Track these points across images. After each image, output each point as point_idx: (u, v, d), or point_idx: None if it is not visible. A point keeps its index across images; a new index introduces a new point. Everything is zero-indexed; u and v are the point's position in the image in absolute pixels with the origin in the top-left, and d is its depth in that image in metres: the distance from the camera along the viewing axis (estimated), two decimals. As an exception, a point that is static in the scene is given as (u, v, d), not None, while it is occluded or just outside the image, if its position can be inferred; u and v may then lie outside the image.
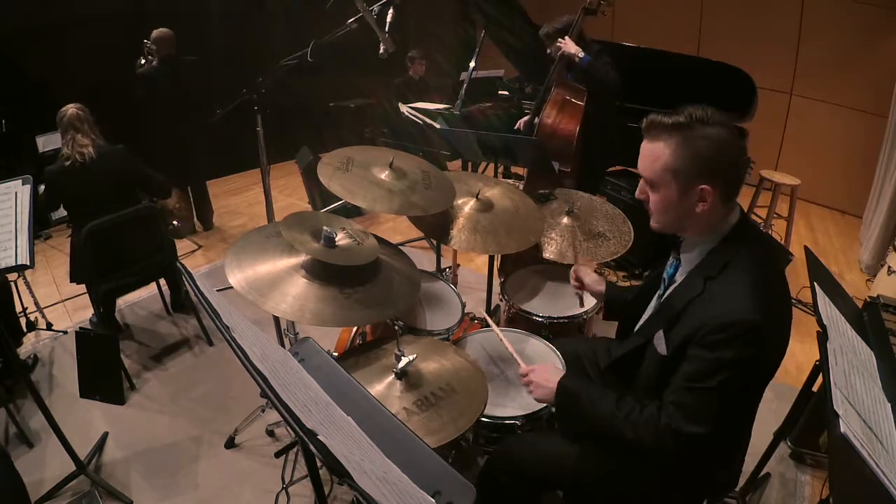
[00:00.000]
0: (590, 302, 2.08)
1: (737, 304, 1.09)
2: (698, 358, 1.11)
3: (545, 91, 2.96)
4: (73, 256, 2.84)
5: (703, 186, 1.13)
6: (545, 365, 1.42)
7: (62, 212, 3.76)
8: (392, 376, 1.49)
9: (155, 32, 3.69)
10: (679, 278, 1.29)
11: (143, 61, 3.74)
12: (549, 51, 2.93)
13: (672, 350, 1.18)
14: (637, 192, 1.26)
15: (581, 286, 1.81)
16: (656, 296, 1.38)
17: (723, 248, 1.19)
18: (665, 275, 1.34)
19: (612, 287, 1.76)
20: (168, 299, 3.28)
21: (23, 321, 3.02)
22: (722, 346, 1.08)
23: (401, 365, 1.46)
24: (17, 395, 2.53)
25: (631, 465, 1.27)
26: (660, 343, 1.23)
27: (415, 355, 1.48)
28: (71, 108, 2.70)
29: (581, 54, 2.76)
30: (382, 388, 1.46)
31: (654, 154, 1.16)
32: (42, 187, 2.68)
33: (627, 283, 3.64)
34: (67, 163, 2.66)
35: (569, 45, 2.79)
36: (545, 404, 1.62)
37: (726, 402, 1.11)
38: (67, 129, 2.68)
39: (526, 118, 3.20)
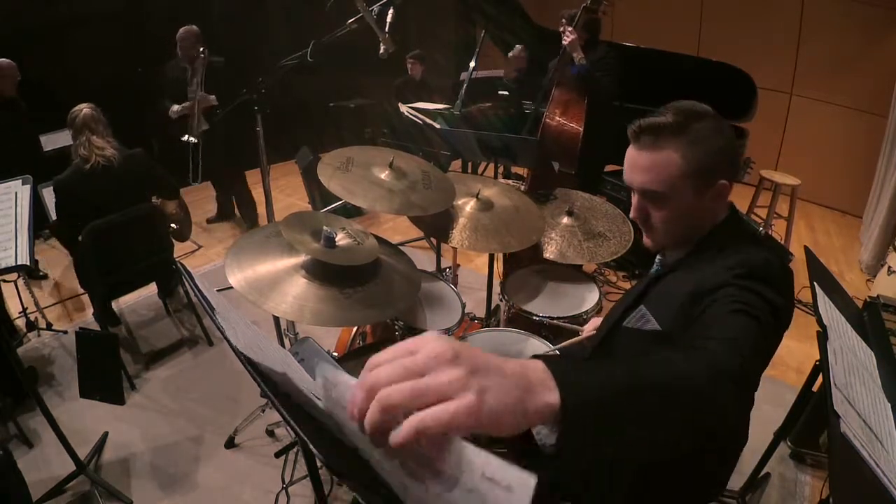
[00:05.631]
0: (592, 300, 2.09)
1: (752, 255, 0.97)
2: (722, 298, 0.90)
3: (547, 90, 2.96)
4: (77, 264, 2.73)
5: (721, 182, 1.02)
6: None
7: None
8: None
9: (181, 31, 3.68)
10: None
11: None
12: (562, 29, 2.89)
13: (671, 318, 1.02)
14: (633, 213, 1.11)
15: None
16: (633, 299, 1.21)
17: (713, 234, 1.08)
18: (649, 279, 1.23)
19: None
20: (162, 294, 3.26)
21: (23, 321, 3.02)
22: (747, 280, 0.91)
23: None
24: (17, 396, 2.53)
25: (641, 465, 1.19)
26: (646, 321, 1.08)
27: None
28: (85, 109, 2.55)
29: (582, 62, 2.73)
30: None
31: (661, 164, 1.00)
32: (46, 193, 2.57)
33: (627, 284, 3.65)
34: (87, 165, 2.49)
35: (571, 40, 2.74)
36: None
37: (760, 340, 0.83)
38: (82, 130, 2.52)
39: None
